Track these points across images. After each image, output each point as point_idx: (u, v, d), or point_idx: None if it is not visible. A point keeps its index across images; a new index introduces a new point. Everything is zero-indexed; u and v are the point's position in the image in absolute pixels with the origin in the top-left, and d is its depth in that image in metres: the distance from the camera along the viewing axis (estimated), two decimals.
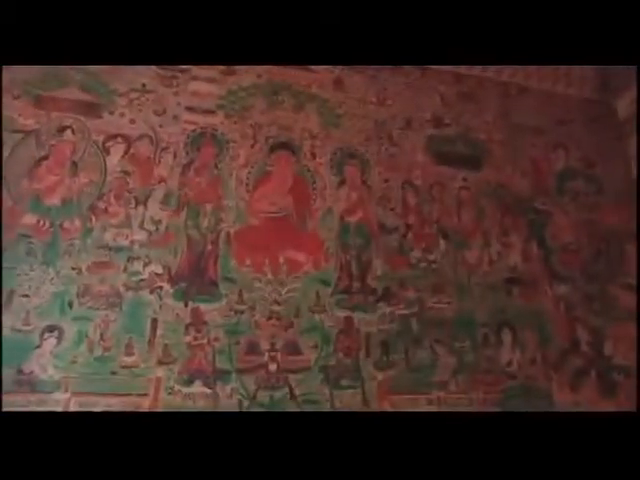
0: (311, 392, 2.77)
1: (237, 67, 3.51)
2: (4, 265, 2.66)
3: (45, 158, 2.99)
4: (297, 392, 2.75)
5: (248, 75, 3.54)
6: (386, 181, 3.51)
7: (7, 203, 2.81)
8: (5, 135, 2.93)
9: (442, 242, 3.42)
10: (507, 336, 3.22)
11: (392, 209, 3.42)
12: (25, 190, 2.88)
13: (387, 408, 2.84)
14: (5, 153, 2.90)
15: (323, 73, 3.69)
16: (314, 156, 3.43)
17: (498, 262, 3.47)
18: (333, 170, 3.43)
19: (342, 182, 3.42)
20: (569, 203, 3.86)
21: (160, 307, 2.78)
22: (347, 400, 2.81)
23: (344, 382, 2.84)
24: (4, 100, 3.00)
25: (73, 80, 3.19)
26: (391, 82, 3.84)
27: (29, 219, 2.82)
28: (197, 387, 2.66)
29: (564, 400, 3.14)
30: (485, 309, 3.28)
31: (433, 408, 2.90)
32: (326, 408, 2.75)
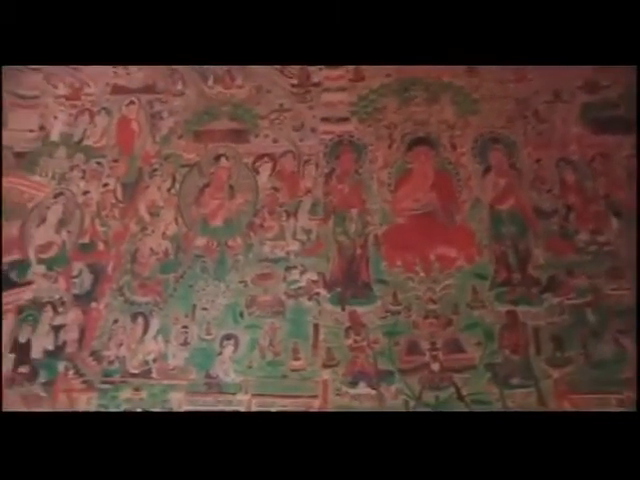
0: (479, 392, 2.64)
1: (365, 72, 3.54)
2: (187, 283, 3.06)
3: (207, 185, 3.37)
4: (464, 392, 2.64)
5: (376, 77, 3.54)
6: (537, 161, 3.21)
7: (182, 229, 3.24)
8: (175, 170, 3.41)
9: (614, 220, 3.01)
10: None
11: (548, 191, 3.12)
12: (195, 216, 3.28)
13: (568, 408, 2.58)
14: (177, 186, 3.36)
15: None
16: (454, 147, 3.29)
17: None
18: (476, 158, 3.25)
19: (487, 169, 3.22)
20: None
21: (319, 312, 2.91)
22: (520, 400, 2.62)
23: (514, 381, 2.65)
24: (172, 141, 3.49)
25: (222, 112, 3.56)
26: None
27: (200, 241, 3.19)
28: (362, 388, 2.71)
29: None
30: None
31: (626, 409, 2.55)
32: (497, 408, 2.60)
